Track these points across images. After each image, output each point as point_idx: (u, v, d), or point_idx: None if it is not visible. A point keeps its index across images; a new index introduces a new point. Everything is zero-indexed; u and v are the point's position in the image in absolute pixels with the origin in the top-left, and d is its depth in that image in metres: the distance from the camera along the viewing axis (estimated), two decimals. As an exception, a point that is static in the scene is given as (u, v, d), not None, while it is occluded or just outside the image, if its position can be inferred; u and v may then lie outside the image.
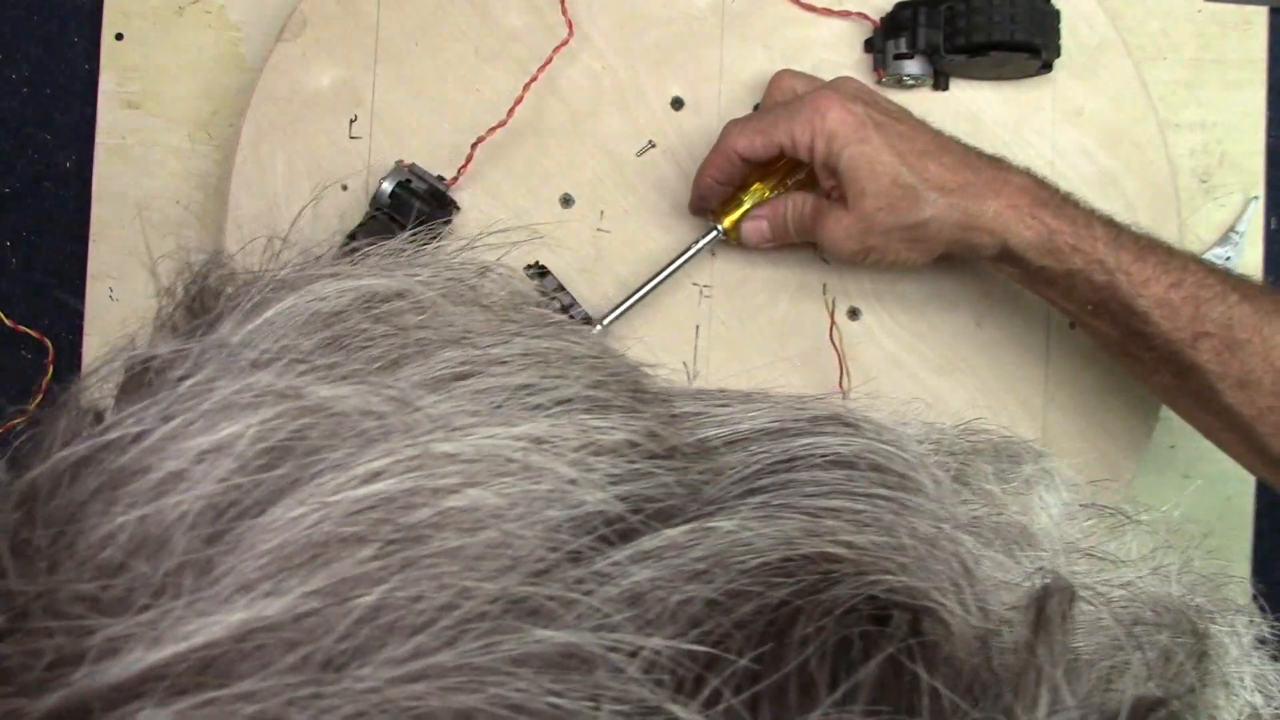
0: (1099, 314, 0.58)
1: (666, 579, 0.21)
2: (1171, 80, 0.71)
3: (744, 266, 0.68)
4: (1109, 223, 0.58)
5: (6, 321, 0.71)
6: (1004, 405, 0.68)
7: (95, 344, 0.71)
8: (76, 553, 0.20)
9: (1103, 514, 0.31)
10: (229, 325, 0.24)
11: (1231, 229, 0.71)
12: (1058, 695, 0.21)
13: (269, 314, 0.24)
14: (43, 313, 0.72)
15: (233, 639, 0.18)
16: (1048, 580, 0.23)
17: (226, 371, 0.22)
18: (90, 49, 0.72)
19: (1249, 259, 0.71)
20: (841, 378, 0.67)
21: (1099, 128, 0.69)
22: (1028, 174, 0.59)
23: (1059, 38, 0.66)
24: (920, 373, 0.68)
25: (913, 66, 0.67)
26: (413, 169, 0.66)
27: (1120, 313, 0.57)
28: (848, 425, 0.26)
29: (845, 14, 0.69)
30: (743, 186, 0.65)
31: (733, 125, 0.62)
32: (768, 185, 0.65)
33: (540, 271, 0.64)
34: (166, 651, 0.18)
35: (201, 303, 0.26)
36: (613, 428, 0.24)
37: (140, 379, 0.23)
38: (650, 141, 0.69)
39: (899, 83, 0.68)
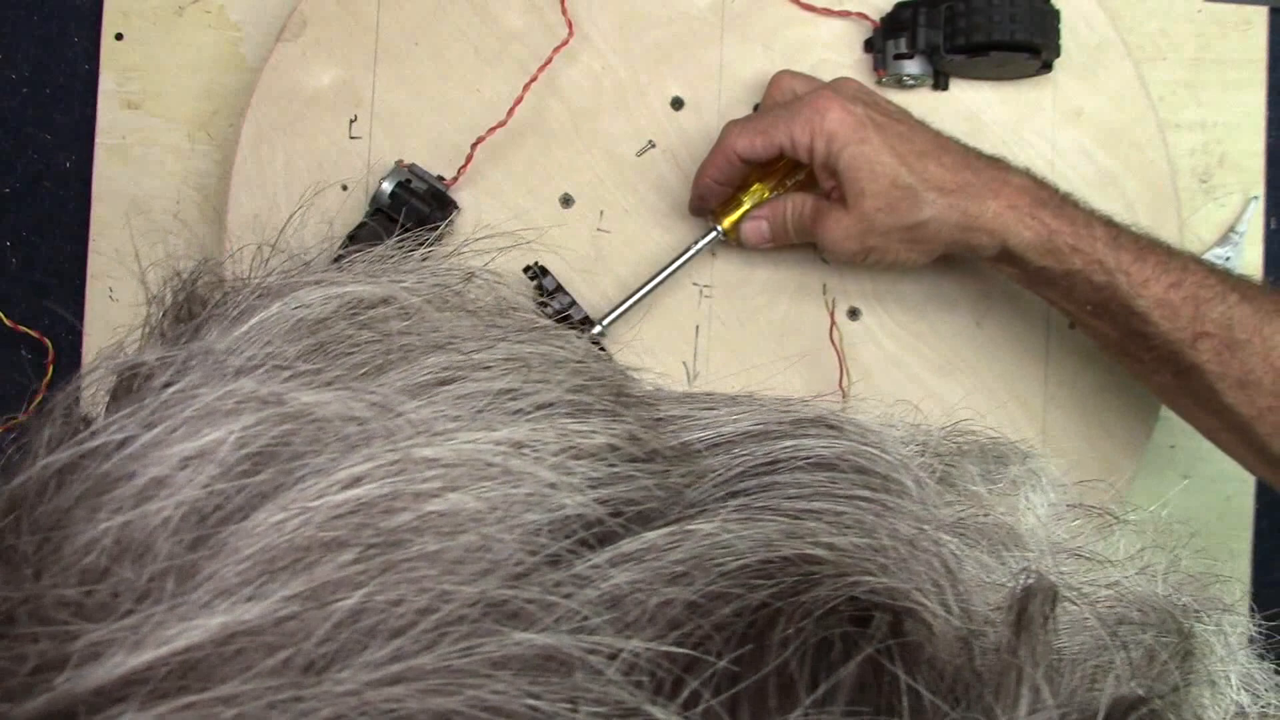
0: (1099, 314, 0.58)
1: (646, 581, 0.21)
2: (1171, 80, 0.71)
3: (744, 267, 0.68)
4: (1109, 223, 0.58)
5: (6, 321, 0.71)
6: (1004, 405, 0.68)
7: (95, 344, 0.71)
8: (62, 558, 0.20)
9: (1090, 514, 0.31)
10: (215, 332, 0.24)
11: (1231, 229, 0.71)
12: (1039, 695, 0.21)
13: (253, 321, 0.24)
14: (43, 313, 0.72)
15: (214, 643, 0.19)
16: (1030, 581, 0.23)
17: (210, 378, 0.22)
18: (90, 49, 0.72)
19: (1249, 259, 0.71)
20: (841, 378, 0.67)
21: (1099, 128, 0.69)
22: (1027, 174, 0.59)
23: (1059, 38, 0.66)
24: (920, 373, 0.68)
25: (913, 66, 0.67)
26: (413, 169, 0.66)
27: (1120, 313, 0.57)
28: (831, 428, 0.26)
29: (845, 14, 0.69)
30: (742, 187, 0.65)
31: (732, 126, 0.62)
32: (767, 186, 0.65)
33: (540, 272, 0.64)
34: (147, 655, 0.18)
35: (189, 310, 0.26)
36: (593, 431, 0.24)
37: (129, 386, 0.23)
38: (650, 141, 0.69)
39: (899, 83, 0.68)
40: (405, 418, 0.22)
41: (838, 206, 0.60)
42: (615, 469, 0.23)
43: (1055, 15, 0.66)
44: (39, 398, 0.69)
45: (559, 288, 0.64)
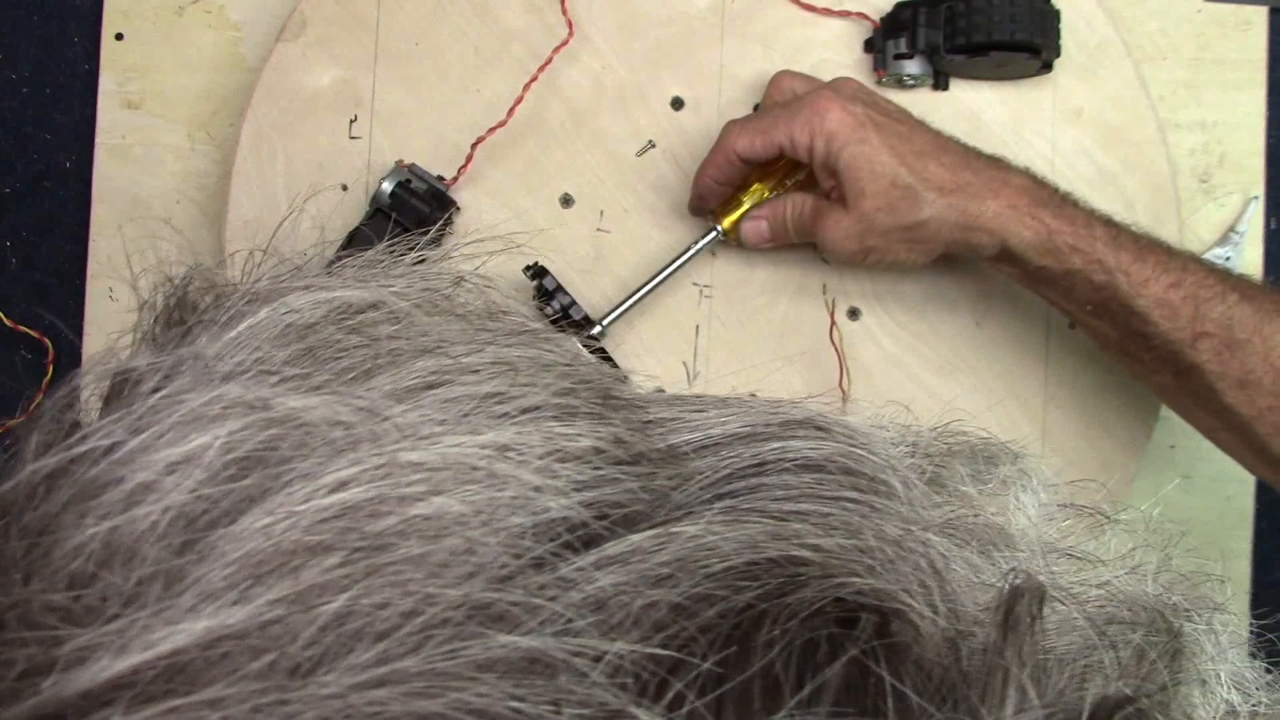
0: (1098, 314, 0.58)
1: (631, 584, 0.21)
2: (1171, 80, 0.71)
3: (744, 267, 0.68)
4: (1108, 222, 0.58)
5: (6, 321, 0.71)
6: (1004, 405, 0.68)
7: (95, 344, 0.71)
8: (50, 563, 0.20)
9: (1081, 514, 0.31)
10: (204, 338, 0.24)
11: (1231, 229, 0.71)
12: (1025, 696, 0.21)
13: (242, 326, 0.24)
14: (43, 313, 0.72)
15: (199, 647, 0.19)
16: (1018, 581, 0.23)
17: (199, 384, 0.22)
18: (90, 49, 0.72)
19: (1249, 259, 0.71)
20: (841, 378, 0.67)
21: (1099, 128, 0.69)
22: (1027, 174, 0.59)
23: (1059, 38, 0.66)
24: (920, 373, 0.68)
25: (913, 66, 0.67)
26: (413, 169, 0.66)
27: (1120, 313, 0.57)
28: (819, 429, 0.26)
29: (845, 14, 0.69)
30: (742, 187, 0.65)
31: (732, 126, 0.62)
32: (767, 186, 0.65)
33: (540, 272, 0.64)
34: (133, 660, 0.18)
35: (180, 315, 0.26)
36: (579, 435, 0.24)
37: (119, 391, 0.24)
38: (650, 141, 0.69)
39: (899, 83, 0.68)
40: (391, 422, 0.22)
41: (837, 206, 0.60)
42: (600, 472, 0.24)
43: (1055, 15, 0.66)
44: (39, 398, 0.69)
45: (559, 288, 0.64)
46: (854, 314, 0.68)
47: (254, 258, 0.28)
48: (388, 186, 0.65)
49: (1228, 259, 0.70)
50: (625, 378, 0.29)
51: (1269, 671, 0.27)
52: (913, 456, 0.29)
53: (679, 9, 0.69)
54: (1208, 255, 0.68)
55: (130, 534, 0.20)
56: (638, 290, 0.65)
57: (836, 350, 0.67)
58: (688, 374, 0.68)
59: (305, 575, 0.20)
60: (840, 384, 0.67)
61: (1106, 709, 0.22)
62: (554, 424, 0.24)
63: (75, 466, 0.21)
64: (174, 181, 0.72)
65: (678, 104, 0.69)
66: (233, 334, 0.24)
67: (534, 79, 0.66)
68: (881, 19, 0.68)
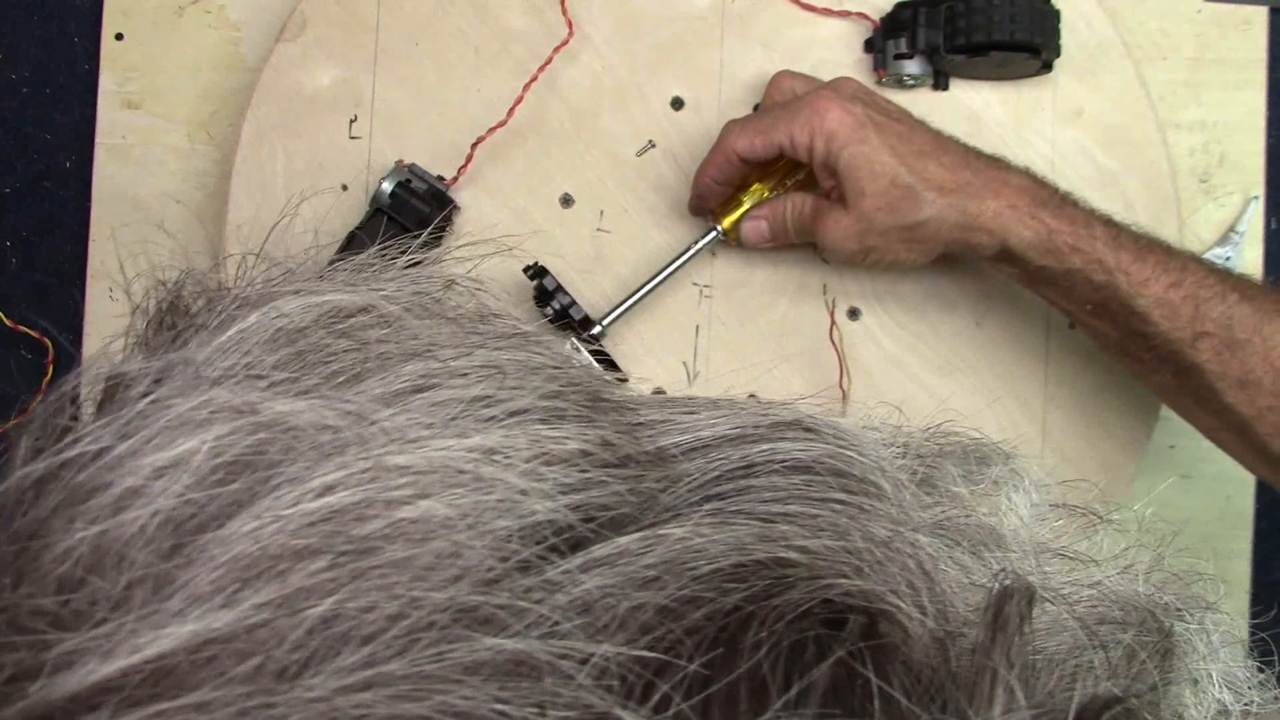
0: (1098, 314, 0.58)
1: (617, 586, 0.21)
2: (1171, 80, 0.71)
3: (744, 267, 0.68)
4: (1108, 222, 0.58)
5: (6, 321, 0.71)
6: (1004, 405, 0.68)
7: (95, 344, 0.71)
8: (40, 567, 0.20)
9: (1074, 514, 0.31)
10: (195, 342, 0.24)
11: (1231, 229, 0.71)
12: (1013, 696, 0.21)
13: (232, 331, 0.24)
14: (43, 313, 0.72)
15: (186, 650, 0.19)
16: (1008, 582, 0.23)
17: (188, 388, 0.22)
18: (90, 49, 0.72)
19: (1249, 259, 0.71)
20: (841, 378, 0.67)
21: (1099, 128, 0.69)
22: (1027, 174, 0.59)
23: (1059, 38, 0.66)
24: (920, 373, 0.68)
25: (913, 66, 0.67)
26: (413, 169, 0.66)
27: (1120, 312, 0.57)
28: (808, 431, 0.26)
29: (845, 14, 0.69)
30: (742, 187, 0.65)
31: (732, 126, 0.62)
32: (767, 186, 0.65)
33: (540, 272, 0.64)
34: (119, 664, 0.19)
35: (172, 320, 0.26)
36: (566, 437, 0.24)
37: (113, 395, 0.24)
38: (650, 141, 0.69)
39: (899, 83, 0.68)
40: (378, 426, 0.22)
41: (837, 206, 0.60)
42: (587, 474, 0.24)
43: (1055, 15, 0.66)
44: (38, 398, 0.69)
45: (559, 288, 0.64)
46: (854, 314, 0.68)
47: (247, 262, 0.28)
48: (388, 186, 0.65)
49: (1228, 259, 0.70)
50: (617, 380, 0.29)
51: (1262, 670, 0.27)
52: (904, 458, 0.29)
53: (679, 9, 0.69)
54: (1208, 255, 0.68)
55: (119, 538, 0.20)
56: (638, 290, 0.65)
57: (836, 350, 0.67)
58: (688, 374, 0.68)
59: (292, 579, 0.20)
60: (840, 384, 0.67)
61: (1095, 709, 0.22)
62: (541, 427, 0.24)
63: (64, 471, 0.21)
64: (174, 181, 0.72)
65: (678, 104, 0.69)
66: (223, 339, 0.24)
67: (534, 79, 0.66)
68: (881, 19, 0.68)
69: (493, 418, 0.24)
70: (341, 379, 0.24)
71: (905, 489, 0.27)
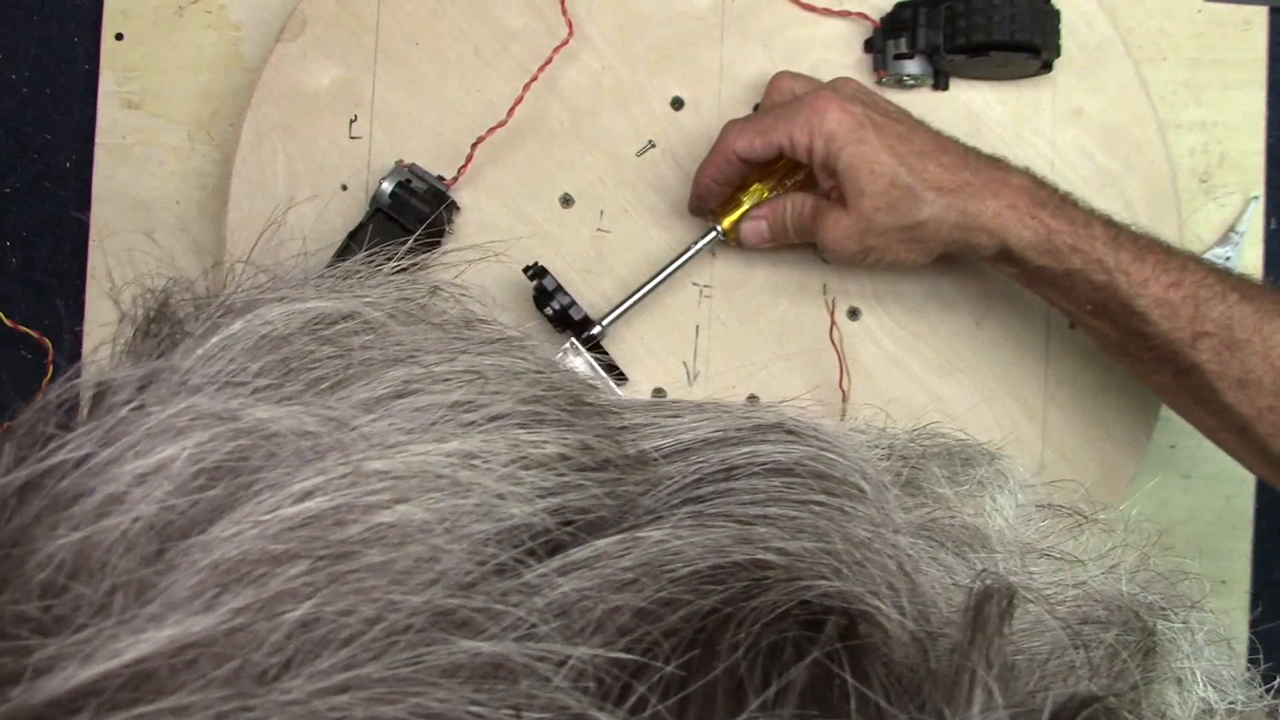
0: (1098, 314, 0.58)
1: (595, 589, 0.21)
2: (1171, 80, 0.71)
3: (744, 267, 0.68)
4: (1108, 222, 0.58)
5: (6, 321, 0.71)
6: (1004, 405, 0.68)
7: (95, 344, 0.71)
8: (23, 573, 0.20)
9: (1059, 514, 0.31)
10: (180, 350, 0.24)
11: (1231, 229, 0.71)
12: (991, 697, 0.21)
13: (216, 338, 0.24)
14: (43, 313, 0.72)
15: (165, 655, 0.19)
16: (988, 582, 0.23)
17: (170, 396, 0.23)
18: (90, 49, 0.72)
19: (1249, 259, 0.71)
20: (841, 378, 0.67)
21: (1099, 128, 0.69)
22: (1026, 174, 0.59)
23: (1059, 38, 0.66)
24: (920, 373, 0.68)
25: (913, 66, 0.67)
26: (413, 169, 0.66)
27: (1120, 312, 0.57)
28: (790, 433, 0.27)
29: (845, 14, 0.69)
30: (742, 187, 0.65)
31: (732, 126, 0.62)
32: (767, 186, 0.65)
33: (539, 272, 0.64)
34: (99, 668, 0.19)
35: (159, 327, 0.26)
36: (545, 441, 0.24)
37: (99, 402, 0.24)
38: (650, 141, 0.69)
39: (899, 83, 0.68)
40: (358, 431, 0.22)
41: (837, 206, 0.60)
42: (565, 478, 0.24)
43: (1055, 15, 0.66)
44: (39, 398, 0.69)
45: (559, 288, 0.64)
46: (854, 314, 0.68)
47: (235, 269, 0.28)
48: (388, 186, 0.65)
49: (1228, 259, 0.70)
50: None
51: (1248, 669, 0.28)
52: (888, 459, 0.29)
53: (679, 9, 0.69)
54: (1208, 255, 0.68)
55: (100, 544, 0.20)
56: (638, 290, 0.65)
57: (836, 350, 0.67)
58: (688, 374, 0.68)
59: (271, 583, 0.20)
60: (840, 384, 0.67)
61: (1072, 708, 0.22)
62: (520, 431, 0.24)
63: (47, 479, 0.21)
64: (174, 182, 0.72)
65: (678, 104, 0.69)
66: (207, 346, 0.24)
67: (534, 79, 0.66)
68: (881, 19, 0.68)
69: (472, 423, 0.24)
70: (325, 385, 0.24)
71: (887, 491, 0.27)
